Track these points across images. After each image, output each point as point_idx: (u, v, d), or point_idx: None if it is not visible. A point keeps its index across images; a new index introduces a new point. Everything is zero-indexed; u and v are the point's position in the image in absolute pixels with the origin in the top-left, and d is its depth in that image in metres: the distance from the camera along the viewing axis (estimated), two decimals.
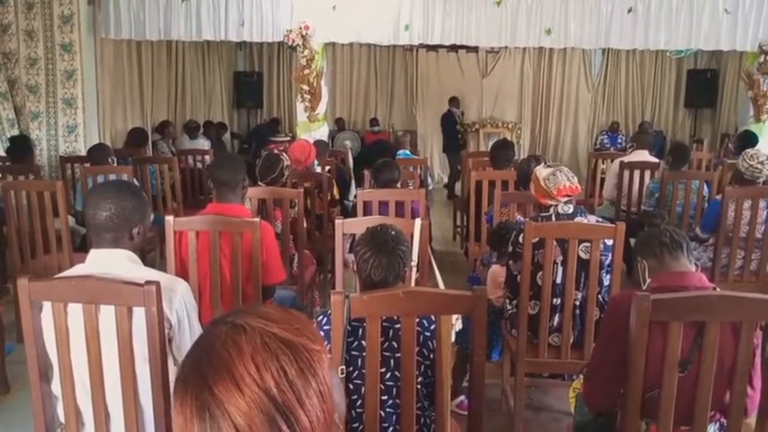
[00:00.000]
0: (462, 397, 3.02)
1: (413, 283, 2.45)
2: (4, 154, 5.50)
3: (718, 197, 3.93)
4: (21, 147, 5.18)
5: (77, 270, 1.87)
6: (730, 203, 3.74)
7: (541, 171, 2.88)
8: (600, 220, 2.93)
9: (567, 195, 2.81)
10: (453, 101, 9.45)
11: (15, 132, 6.00)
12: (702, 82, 9.85)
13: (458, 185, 9.03)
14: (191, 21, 6.43)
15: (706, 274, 2.38)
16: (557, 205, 2.83)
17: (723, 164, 5.80)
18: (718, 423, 1.92)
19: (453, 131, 9.24)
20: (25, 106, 6.20)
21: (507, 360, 3.16)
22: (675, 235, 2.00)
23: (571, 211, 2.82)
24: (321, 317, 2.04)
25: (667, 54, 9.66)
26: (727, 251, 3.80)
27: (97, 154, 5.00)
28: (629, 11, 6.41)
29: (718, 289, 1.92)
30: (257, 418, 0.72)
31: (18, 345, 3.34)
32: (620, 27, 6.45)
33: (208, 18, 6.43)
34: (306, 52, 6.35)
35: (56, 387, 1.87)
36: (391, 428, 1.86)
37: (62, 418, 1.90)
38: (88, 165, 4.95)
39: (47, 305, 1.80)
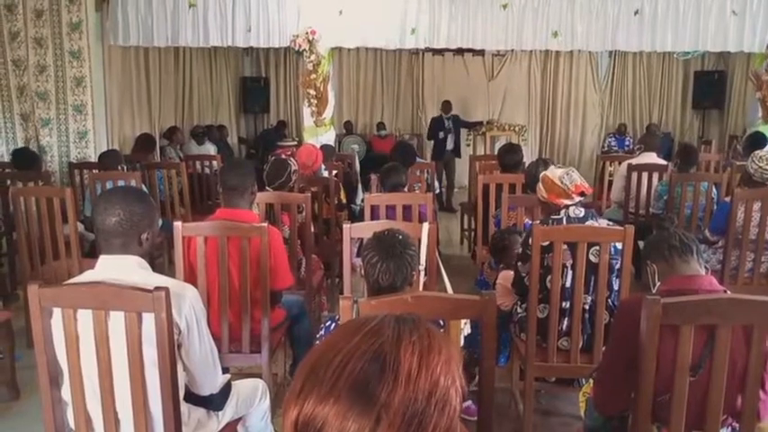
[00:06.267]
0: (470, 402, 3.00)
1: (421, 288, 2.44)
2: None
3: (728, 199, 3.90)
4: (25, 159, 5.20)
5: (87, 276, 1.87)
6: (740, 205, 3.72)
7: (555, 171, 2.88)
8: (610, 223, 2.92)
9: (583, 193, 2.81)
10: (444, 105, 8.85)
11: (1, 143, 6.15)
12: (710, 83, 9.81)
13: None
14: (198, 27, 6.46)
15: (715, 276, 2.37)
16: (568, 208, 2.82)
17: (732, 165, 5.76)
18: (730, 427, 1.91)
19: (438, 137, 8.63)
20: (34, 113, 6.24)
21: (516, 364, 3.15)
22: (685, 238, 1.99)
23: (582, 214, 2.82)
24: (329, 322, 2.04)
25: (674, 56, 9.63)
26: (736, 253, 3.78)
27: (108, 160, 5.03)
28: (636, 13, 6.40)
29: (728, 292, 1.91)
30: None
31: (28, 350, 3.36)
32: (627, 29, 6.44)
33: (215, 24, 6.45)
34: (312, 57, 6.37)
35: (66, 392, 1.87)
36: None
37: (72, 424, 1.90)
38: (96, 171, 4.98)
39: (57, 311, 1.80)
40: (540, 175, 2.98)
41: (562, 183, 2.82)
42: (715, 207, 4.42)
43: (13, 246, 4.57)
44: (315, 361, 0.79)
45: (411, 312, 0.87)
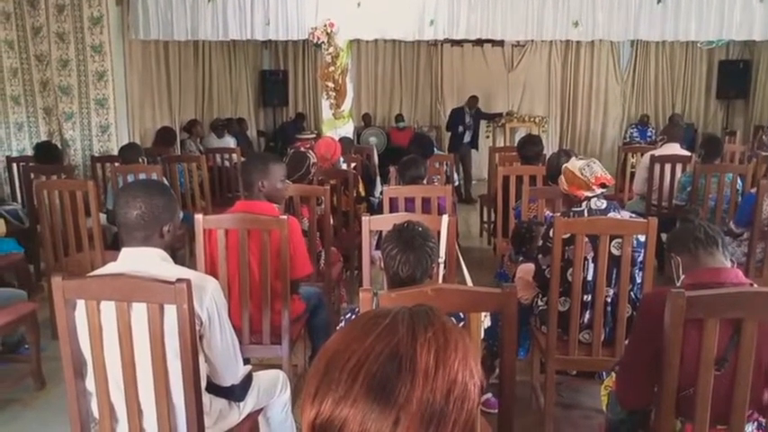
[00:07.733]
0: (489, 395, 3.00)
1: (440, 280, 2.43)
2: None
3: (753, 191, 3.84)
4: (47, 153, 5.27)
5: (110, 268, 1.89)
6: (765, 197, 3.66)
7: (575, 163, 2.85)
8: (633, 215, 2.88)
9: (604, 184, 2.78)
10: (471, 100, 8.91)
11: (24, 137, 6.20)
12: (734, 73, 9.64)
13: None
14: (217, 21, 6.48)
15: (741, 269, 2.33)
16: (589, 200, 2.79)
17: (757, 156, 5.66)
18: (756, 422, 1.88)
19: (457, 131, 8.68)
20: (57, 107, 6.32)
21: (537, 357, 3.13)
22: (710, 230, 1.96)
23: (604, 206, 2.79)
24: (349, 314, 2.05)
25: (698, 45, 9.45)
26: (762, 246, 3.72)
27: (128, 153, 5.08)
28: (659, 1, 6.28)
29: (754, 285, 1.87)
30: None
31: (53, 342, 3.41)
32: (650, 18, 6.32)
33: (234, 18, 6.47)
34: (331, 49, 6.36)
35: (90, 383, 1.90)
36: None
37: (96, 414, 1.93)
38: (118, 164, 5.03)
39: (80, 303, 1.83)
40: (562, 167, 2.95)
41: (583, 174, 2.79)
42: (740, 199, 4.35)
43: (37, 238, 4.64)
44: (328, 362, 0.78)
45: (425, 304, 0.84)
